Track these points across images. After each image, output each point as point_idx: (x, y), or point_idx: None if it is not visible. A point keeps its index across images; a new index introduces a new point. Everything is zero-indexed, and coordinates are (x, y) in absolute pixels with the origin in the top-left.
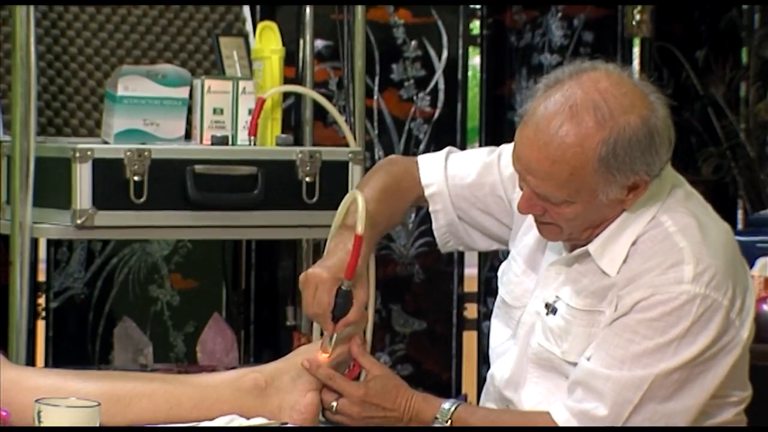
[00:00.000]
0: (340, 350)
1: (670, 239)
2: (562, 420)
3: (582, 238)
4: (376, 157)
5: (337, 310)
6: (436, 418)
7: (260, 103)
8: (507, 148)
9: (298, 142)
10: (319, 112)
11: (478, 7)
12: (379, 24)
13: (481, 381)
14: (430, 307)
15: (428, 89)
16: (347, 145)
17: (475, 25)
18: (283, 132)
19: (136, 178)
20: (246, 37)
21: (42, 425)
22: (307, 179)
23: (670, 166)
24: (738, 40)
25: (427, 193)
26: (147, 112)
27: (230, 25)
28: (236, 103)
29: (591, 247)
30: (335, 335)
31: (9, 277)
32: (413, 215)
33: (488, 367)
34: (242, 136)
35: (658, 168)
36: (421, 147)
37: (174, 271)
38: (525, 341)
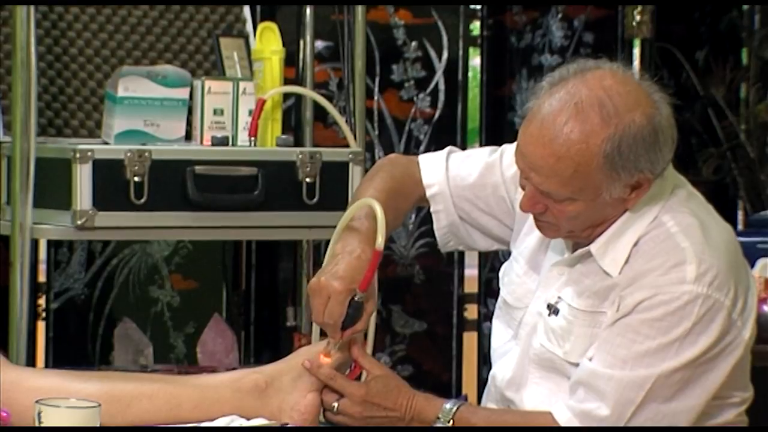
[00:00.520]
0: (341, 353)
1: (672, 239)
2: (564, 420)
3: (582, 236)
4: (377, 157)
5: (347, 320)
6: (438, 417)
7: (260, 103)
8: (509, 148)
9: (298, 142)
10: (320, 113)
11: (478, 7)
12: (379, 25)
13: (482, 382)
14: (431, 307)
15: (428, 90)
16: (347, 146)
17: (476, 26)
18: (283, 133)
19: (136, 178)
20: (246, 37)
21: (42, 426)
22: (308, 180)
23: (672, 167)
24: (738, 41)
25: (428, 193)
26: (147, 112)
27: (230, 25)
28: (236, 103)
29: (593, 248)
30: (340, 342)
31: (9, 278)
32: (413, 216)
33: (489, 368)
34: (242, 136)
35: (661, 166)
36: (422, 148)
37: (174, 271)
38: (527, 342)
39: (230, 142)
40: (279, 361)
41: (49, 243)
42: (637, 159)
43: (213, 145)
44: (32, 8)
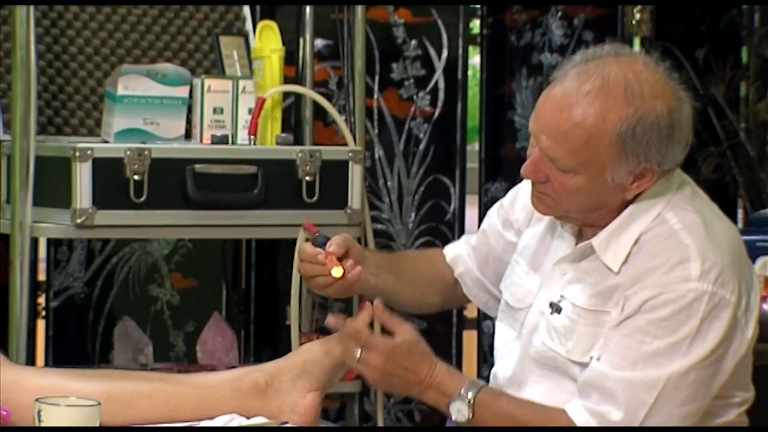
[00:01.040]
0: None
1: (675, 237)
2: (582, 421)
3: (577, 219)
4: (376, 156)
5: (319, 239)
6: (460, 393)
7: (260, 102)
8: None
9: (298, 141)
10: (319, 112)
11: (478, 6)
12: (379, 23)
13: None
14: None
15: (428, 88)
16: (347, 145)
17: (475, 25)
18: (283, 131)
19: (136, 177)
20: (246, 36)
21: (42, 425)
22: (307, 178)
23: (678, 168)
24: (738, 40)
25: (448, 258)
26: (147, 111)
27: (230, 24)
28: (236, 102)
29: (595, 241)
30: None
31: (9, 277)
32: (413, 215)
33: (489, 367)
34: (242, 135)
35: (669, 163)
36: (421, 146)
37: (174, 270)
38: (527, 340)
39: (230, 141)
40: (279, 359)
41: (49, 241)
42: (648, 146)
43: (213, 143)
44: (32, 7)
